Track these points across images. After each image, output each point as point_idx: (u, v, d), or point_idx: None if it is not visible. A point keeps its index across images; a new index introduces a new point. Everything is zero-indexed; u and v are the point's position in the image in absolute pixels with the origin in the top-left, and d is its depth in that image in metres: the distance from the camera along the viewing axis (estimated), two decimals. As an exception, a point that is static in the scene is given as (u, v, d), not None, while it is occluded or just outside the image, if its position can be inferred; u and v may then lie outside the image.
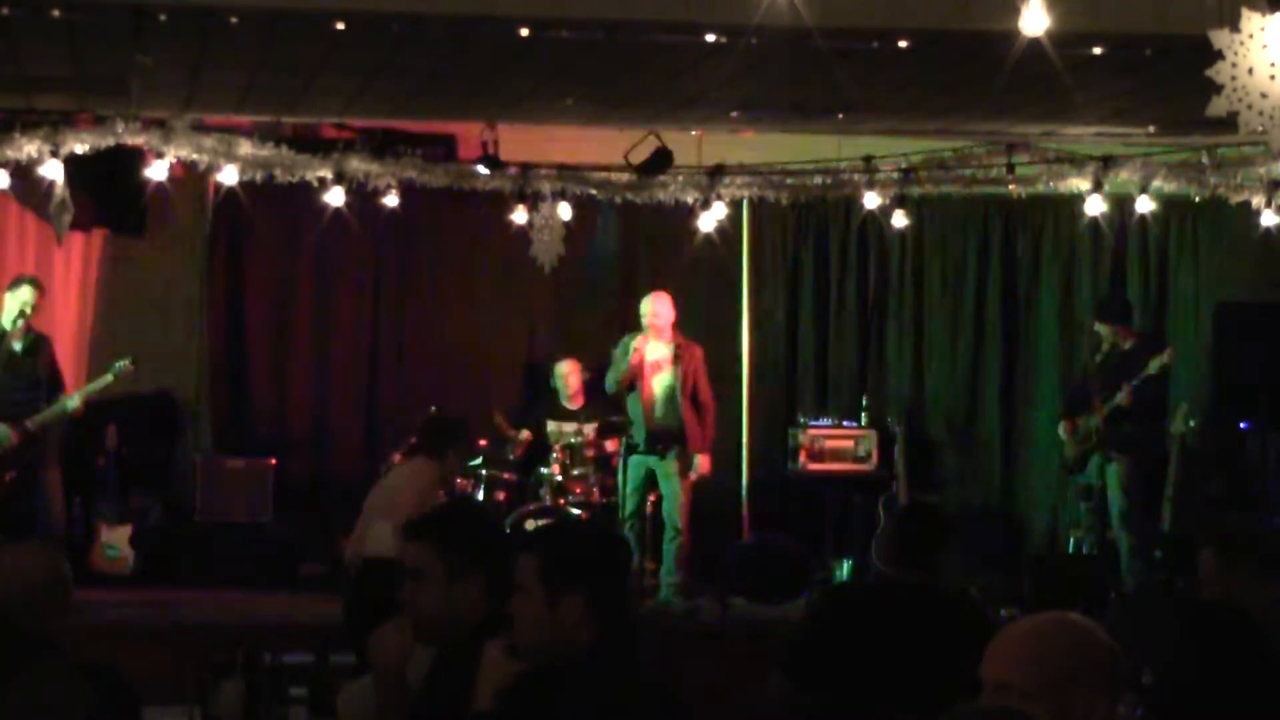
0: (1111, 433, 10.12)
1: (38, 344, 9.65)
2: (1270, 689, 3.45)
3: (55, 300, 10.97)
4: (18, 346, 9.48)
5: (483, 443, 10.89)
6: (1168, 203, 10.09)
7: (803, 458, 11.36)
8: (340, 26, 6.54)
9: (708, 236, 10.42)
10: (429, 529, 3.96)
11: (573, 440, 10.63)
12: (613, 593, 3.67)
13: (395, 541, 6.90)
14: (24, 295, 9.54)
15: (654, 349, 9.96)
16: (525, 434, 11.00)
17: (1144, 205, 9.89)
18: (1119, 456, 10.13)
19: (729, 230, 10.85)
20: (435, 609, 3.86)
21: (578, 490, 10.38)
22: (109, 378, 9.83)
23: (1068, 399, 10.92)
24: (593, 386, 11.10)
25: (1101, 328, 10.40)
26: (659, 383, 9.97)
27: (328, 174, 9.37)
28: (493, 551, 3.96)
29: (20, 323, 9.52)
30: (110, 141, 8.94)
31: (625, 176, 9.86)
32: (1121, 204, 10.07)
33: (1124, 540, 10.16)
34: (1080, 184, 9.73)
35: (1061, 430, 10.57)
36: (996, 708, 2.87)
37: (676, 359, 9.96)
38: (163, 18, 6.47)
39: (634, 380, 9.95)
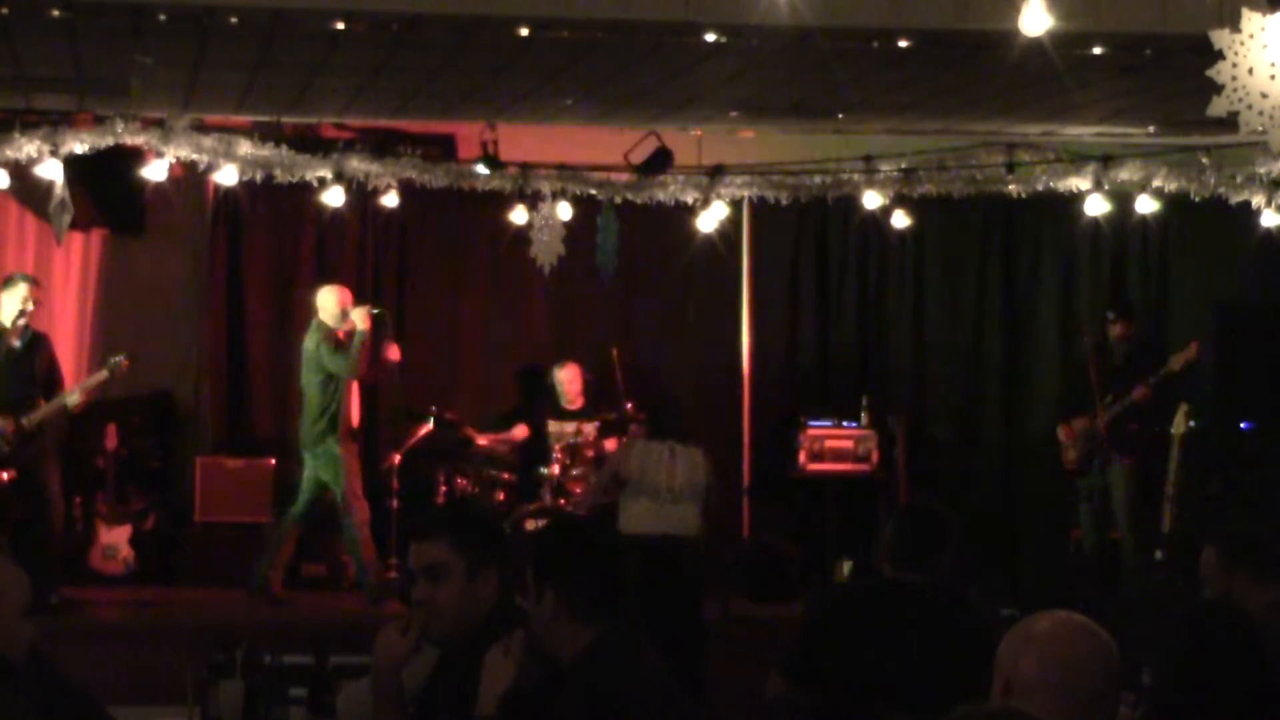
0: (1117, 433, 10.12)
1: (37, 342, 9.64)
2: (1268, 691, 3.45)
3: (55, 300, 10.98)
4: (17, 344, 9.48)
5: (482, 442, 10.90)
6: (1168, 203, 10.08)
7: (803, 458, 11.36)
8: (340, 26, 6.54)
9: (708, 236, 10.42)
10: (444, 527, 3.95)
11: (573, 440, 10.64)
12: (590, 591, 3.67)
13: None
14: (21, 291, 9.54)
15: None
16: (520, 429, 11.03)
17: (1144, 205, 9.88)
18: (1124, 457, 10.14)
19: (729, 230, 10.85)
20: (456, 605, 3.85)
21: (577, 490, 10.39)
22: (104, 374, 9.82)
23: (1066, 401, 10.90)
24: (592, 387, 11.13)
25: (1124, 326, 10.39)
26: None
27: (327, 174, 9.37)
28: (502, 543, 4.00)
29: (20, 320, 9.52)
30: (110, 141, 8.93)
31: (625, 176, 9.86)
32: (1122, 204, 10.07)
33: (1128, 540, 10.16)
34: (1080, 184, 9.73)
35: (1061, 434, 10.55)
36: (1000, 708, 2.87)
37: None
38: (163, 18, 6.47)
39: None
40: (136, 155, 9.32)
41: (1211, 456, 10.52)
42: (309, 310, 11.43)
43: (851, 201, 10.53)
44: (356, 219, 11.29)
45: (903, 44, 6.70)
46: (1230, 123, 4.92)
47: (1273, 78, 4.81)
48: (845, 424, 11.48)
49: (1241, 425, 10.79)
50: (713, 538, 8.84)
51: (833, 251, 12.02)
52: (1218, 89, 4.84)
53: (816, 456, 11.37)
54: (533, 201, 9.88)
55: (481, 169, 9.61)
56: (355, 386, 10.24)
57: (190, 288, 11.45)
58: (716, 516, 8.90)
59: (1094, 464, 10.32)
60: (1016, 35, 5.46)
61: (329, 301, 10.14)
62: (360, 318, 9.99)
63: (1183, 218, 11.24)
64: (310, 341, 10.10)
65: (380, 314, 10.22)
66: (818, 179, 10.20)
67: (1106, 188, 9.71)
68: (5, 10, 6.40)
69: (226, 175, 9.30)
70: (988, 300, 12.04)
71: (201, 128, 9.19)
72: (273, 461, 11.08)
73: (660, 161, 9.59)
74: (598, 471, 10.50)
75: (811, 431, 11.39)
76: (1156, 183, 9.65)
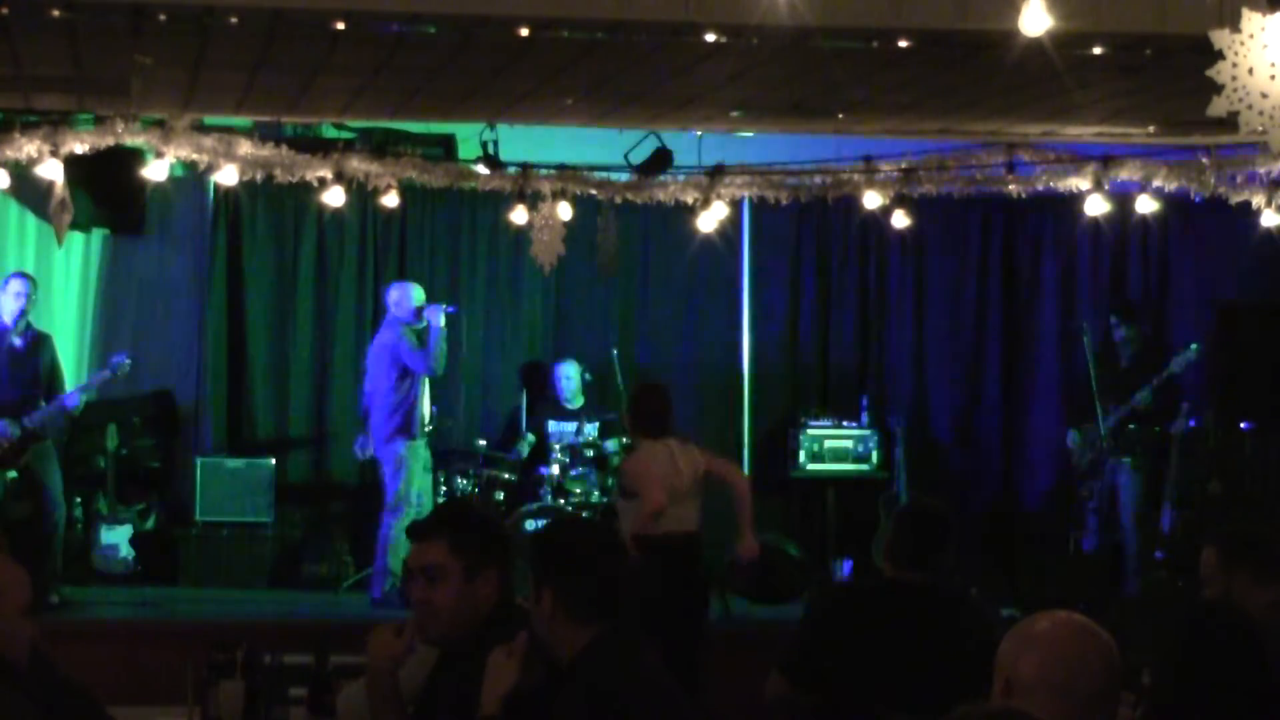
0: (1122, 435, 10.15)
1: (39, 341, 9.65)
2: (1269, 691, 3.45)
3: (55, 299, 10.98)
4: (18, 343, 9.48)
5: (481, 443, 10.90)
6: (1168, 203, 10.08)
7: (803, 458, 11.36)
8: (340, 26, 6.53)
9: (708, 236, 10.42)
10: (443, 528, 3.93)
11: (573, 440, 10.64)
12: (589, 591, 3.66)
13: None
14: (17, 289, 9.54)
15: None
16: (531, 438, 11.05)
17: (1144, 205, 9.88)
18: (1128, 457, 10.15)
19: (729, 230, 10.85)
20: (453, 607, 3.84)
21: (578, 490, 10.40)
22: (106, 374, 9.83)
23: (1073, 404, 10.89)
24: (592, 386, 11.12)
25: (1129, 329, 10.42)
26: None
27: (328, 174, 9.36)
28: (502, 544, 3.99)
29: (21, 320, 9.52)
30: (110, 141, 8.93)
31: (625, 176, 9.86)
32: (1122, 204, 10.07)
33: (1131, 540, 10.17)
34: (1080, 184, 9.73)
35: (1072, 438, 10.54)
36: (1000, 708, 2.87)
37: None
38: (163, 18, 6.47)
39: None
40: (136, 155, 9.32)
41: (1211, 456, 10.53)
42: (309, 310, 11.47)
43: (851, 201, 10.53)
44: (356, 219, 11.29)
45: (903, 44, 6.69)
46: (1230, 123, 4.91)
47: (1273, 78, 4.81)
48: (845, 424, 11.49)
49: (1241, 425, 10.79)
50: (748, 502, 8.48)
51: (833, 251, 12.03)
52: (1218, 89, 4.84)
53: (816, 456, 11.38)
54: (533, 201, 9.87)
55: (481, 169, 9.61)
56: (427, 385, 10.19)
57: (190, 288, 11.45)
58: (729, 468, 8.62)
59: (1101, 467, 10.33)
60: (1016, 35, 5.45)
61: (403, 298, 10.12)
62: (435, 315, 9.98)
63: (1183, 218, 11.24)
64: (385, 338, 10.07)
65: (454, 313, 10.20)
66: (818, 179, 10.19)
67: (1106, 188, 9.70)
68: (5, 10, 6.39)
69: (226, 175, 9.30)
70: (988, 300, 12.04)
71: (201, 128, 9.19)
72: (273, 461, 11.08)
73: (660, 161, 9.59)
74: (595, 473, 10.49)
75: (811, 431, 11.40)
76: (1156, 183, 9.64)
